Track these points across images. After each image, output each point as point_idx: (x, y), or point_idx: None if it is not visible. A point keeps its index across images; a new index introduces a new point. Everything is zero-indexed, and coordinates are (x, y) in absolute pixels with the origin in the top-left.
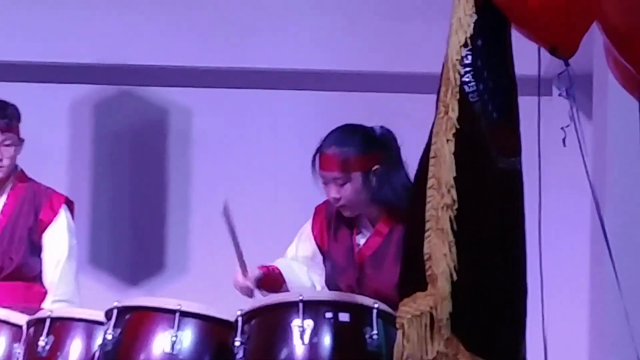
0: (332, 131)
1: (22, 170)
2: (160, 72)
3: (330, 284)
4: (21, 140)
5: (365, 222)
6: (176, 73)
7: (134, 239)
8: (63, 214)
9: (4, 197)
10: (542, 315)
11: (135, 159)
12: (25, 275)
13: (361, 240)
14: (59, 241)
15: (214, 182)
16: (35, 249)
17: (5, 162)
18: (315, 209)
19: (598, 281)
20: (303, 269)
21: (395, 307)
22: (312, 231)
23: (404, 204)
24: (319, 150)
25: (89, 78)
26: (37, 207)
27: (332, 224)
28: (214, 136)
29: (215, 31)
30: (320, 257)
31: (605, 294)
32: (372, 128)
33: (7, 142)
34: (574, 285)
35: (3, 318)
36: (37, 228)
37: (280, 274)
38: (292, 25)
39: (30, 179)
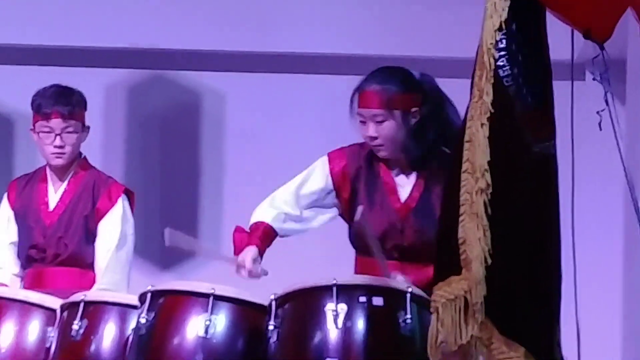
0: (373, 71)
1: (85, 158)
2: (193, 56)
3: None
4: (86, 128)
5: (398, 170)
6: (209, 57)
7: (166, 222)
8: (120, 204)
9: (65, 184)
10: (575, 300)
11: (168, 143)
12: (80, 262)
13: (401, 190)
14: (111, 230)
15: (247, 167)
16: (91, 237)
17: (68, 149)
18: (330, 156)
19: (632, 266)
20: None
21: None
22: (332, 171)
23: (435, 157)
24: (358, 88)
25: (123, 62)
26: (95, 196)
27: (361, 176)
28: (246, 120)
29: (248, 16)
30: (328, 195)
31: (639, 278)
32: (410, 71)
33: (69, 129)
34: (608, 270)
35: (37, 302)
36: (94, 216)
37: (270, 227)
38: (325, 10)
39: (92, 167)
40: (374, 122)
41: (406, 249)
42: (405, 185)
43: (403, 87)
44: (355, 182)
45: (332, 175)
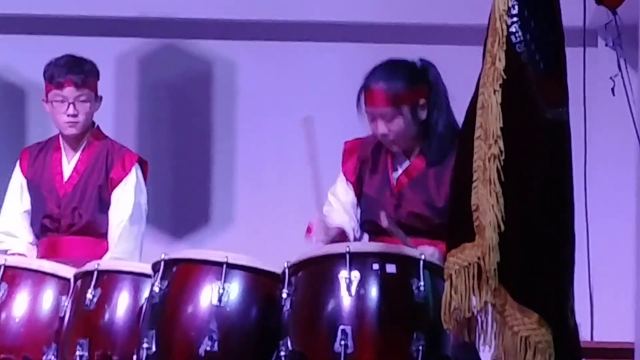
0: (376, 67)
1: (98, 127)
2: (204, 25)
3: (367, 217)
4: (98, 97)
5: (399, 154)
6: (220, 26)
7: (179, 192)
8: (134, 173)
9: (78, 154)
10: (588, 266)
11: (179, 112)
12: (95, 231)
13: (398, 169)
14: (125, 200)
15: (259, 135)
16: (105, 206)
17: (81, 117)
18: (345, 147)
19: None
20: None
21: (430, 227)
22: (345, 173)
23: (445, 140)
24: (364, 86)
25: (134, 31)
26: (109, 165)
27: (368, 162)
28: (258, 89)
29: None
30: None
31: None
32: (413, 62)
33: (82, 98)
34: (620, 238)
35: (51, 271)
36: (108, 186)
37: (344, 232)
38: None
39: (105, 137)
40: (384, 120)
41: (404, 224)
42: (403, 163)
43: (409, 82)
44: (363, 166)
45: (352, 185)
